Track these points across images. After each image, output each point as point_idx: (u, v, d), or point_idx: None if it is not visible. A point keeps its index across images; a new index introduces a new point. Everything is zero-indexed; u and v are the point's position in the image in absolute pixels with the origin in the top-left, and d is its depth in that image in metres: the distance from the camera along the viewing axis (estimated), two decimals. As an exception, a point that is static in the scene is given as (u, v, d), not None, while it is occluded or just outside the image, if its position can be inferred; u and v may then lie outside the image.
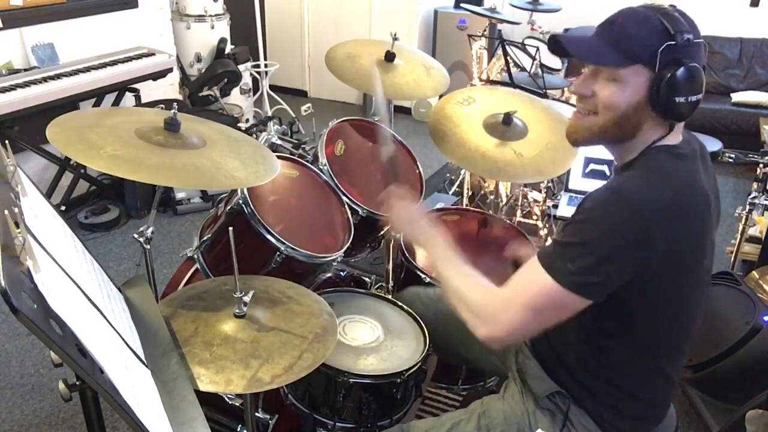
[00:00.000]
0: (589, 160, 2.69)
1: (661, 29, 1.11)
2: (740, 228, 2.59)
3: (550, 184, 3.07)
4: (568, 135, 1.26)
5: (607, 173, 2.68)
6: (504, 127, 2.00)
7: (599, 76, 1.17)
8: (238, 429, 1.69)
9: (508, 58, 3.39)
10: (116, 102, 3.59)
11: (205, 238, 1.75)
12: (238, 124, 2.99)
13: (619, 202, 1.09)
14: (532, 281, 1.14)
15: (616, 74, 1.14)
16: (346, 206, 1.87)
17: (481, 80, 3.80)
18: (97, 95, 3.36)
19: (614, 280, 1.09)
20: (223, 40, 4.29)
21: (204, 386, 1.14)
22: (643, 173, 1.14)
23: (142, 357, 1.09)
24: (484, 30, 4.07)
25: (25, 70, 3.16)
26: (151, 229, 1.77)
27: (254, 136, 2.15)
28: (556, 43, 1.21)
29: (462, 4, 4.53)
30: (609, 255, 1.07)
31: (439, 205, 2.41)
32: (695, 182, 1.15)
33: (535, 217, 3.12)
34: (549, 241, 1.19)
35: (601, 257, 1.07)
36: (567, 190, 2.74)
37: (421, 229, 1.41)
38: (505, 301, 1.16)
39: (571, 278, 1.09)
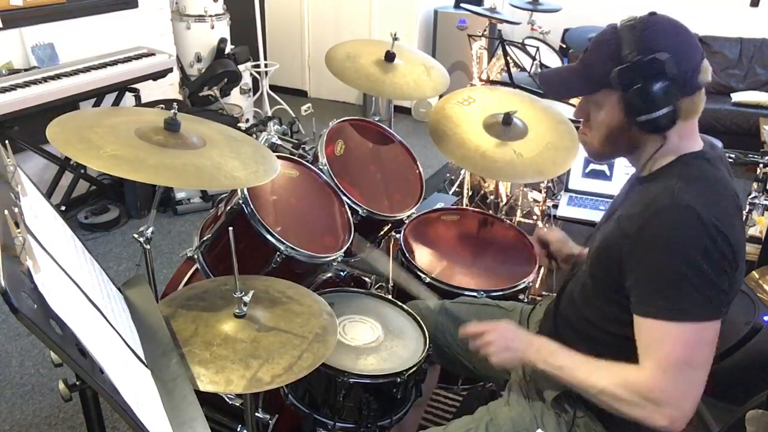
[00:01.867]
0: (589, 160, 2.69)
1: (615, 52, 1.12)
2: (740, 228, 2.59)
3: (550, 184, 3.06)
4: (583, 147, 1.31)
5: (607, 173, 2.68)
6: (504, 127, 2.00)
7: (589, 100, 1.22)
8: (238, 429, 1.70)
9: (508, 58, 3.38)
10: (116, 102, 3.59)
11: (205, 238, 1.75)
12: (238, 124, 2.98)
13: (683, 221, 1.08)
14: (668, 339, 1.08)
15: (594, 99, 1.19)
16: (346, 206, 1.87)
17: (481, 80, 3.79)
18: (97, 95, 3.36)
19: (726, 286, 1.09)
20: (223, 40, 4.29)
21: (204, 386, 1.14)
22: (688, 184, 1.13)
23: (142, 357, 1.09)
24: (484, 30, 4.07)
25: (25, 70, 3.16)
26: (151, 229, 1.77)
27: (254, 136, 2.14)
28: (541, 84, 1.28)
29: (462, 4, 4.53)
30: (710, 268, 1.07)
31: (439, 205, 2.41)
32: (731, 186, 1.17)
33: (535, 217, 3.12)
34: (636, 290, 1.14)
35: (706, 275, 1.06)
36: (567, 190, 2.74)
37: (524, 343, 1.29)
38: (659, 375, 1.09)
39: (701, 310, 1.07)
